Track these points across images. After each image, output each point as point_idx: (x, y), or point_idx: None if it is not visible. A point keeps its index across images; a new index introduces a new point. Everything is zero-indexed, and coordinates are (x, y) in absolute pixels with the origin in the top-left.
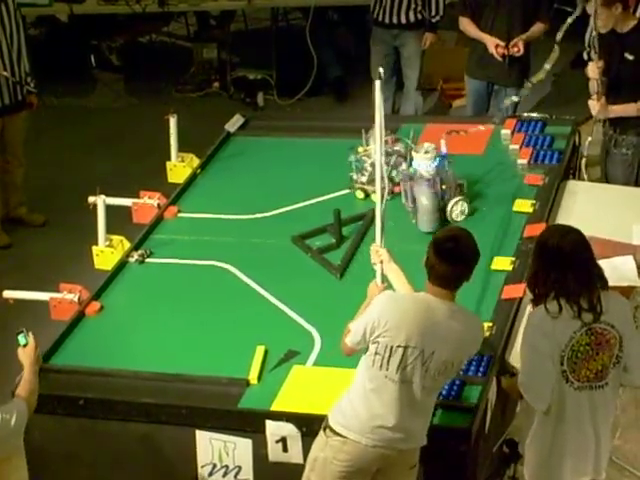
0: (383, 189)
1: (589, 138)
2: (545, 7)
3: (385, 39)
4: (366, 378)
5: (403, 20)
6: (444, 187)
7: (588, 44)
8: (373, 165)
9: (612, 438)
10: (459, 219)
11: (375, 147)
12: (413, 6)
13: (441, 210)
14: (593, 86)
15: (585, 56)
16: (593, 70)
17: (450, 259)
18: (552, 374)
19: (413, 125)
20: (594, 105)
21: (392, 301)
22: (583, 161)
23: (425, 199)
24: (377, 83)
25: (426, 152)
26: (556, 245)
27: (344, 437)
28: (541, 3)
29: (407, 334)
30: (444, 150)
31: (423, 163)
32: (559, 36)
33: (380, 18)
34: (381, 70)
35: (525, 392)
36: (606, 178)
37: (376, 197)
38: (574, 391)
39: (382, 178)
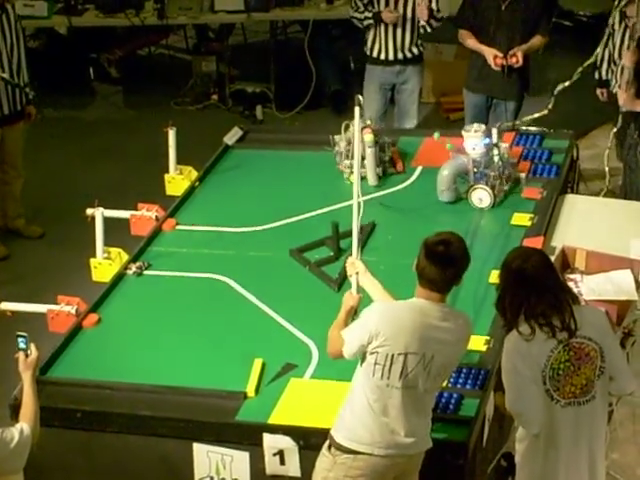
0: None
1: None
2: (545, 21)
3: (385, 77)
4: (367, 389)
5: (408, 54)
6: (477, 170)
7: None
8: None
9: (607, 451)
10: (478, 205)
11: (354, 167)
12: (415, 40)
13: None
14: (624, 75)
15: (596, 75)
16: (628, 58)
17: (440, 262)
18: (537, 395)
19: (412, 138)
20: (621, 94)
21: (387, 310)
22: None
23: (445, 170)
24: (357, 111)
25: (476, 131)
26: (518, 269)
27: (354, 452)
28: (541, 17)
29: (406, 341)
30: (494, 139)
31: (472, 141)
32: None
33: (382, 56)
34: (361, 98)
35: (516, 417)
36: (624, 185)
37: (354, 211)
38: (561, 409)
39: (358, 195)
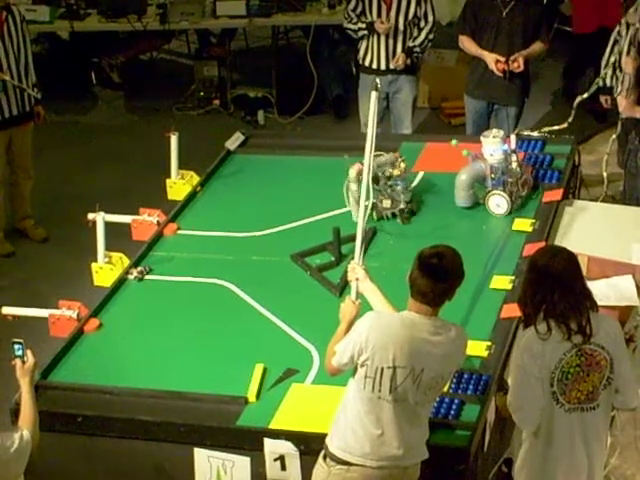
0: (366, 207)
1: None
2: (546, 27)
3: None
4: (358, 402)
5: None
6: (495, 176)
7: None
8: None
9: (606, 458)
10: (495, 211)
11: (365, 166)
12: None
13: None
14: (625, 82)
15: (600, 82)
16: (628, 65)
17: (432, 275)
18: (541, 396)
19: (413, 144)
20: (621, 101)
21: (378, 322)
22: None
23: (463, 174)
24: (373, 95)
25: (494, 137)
26: (545, 265)
27: (347, 463)
28: (542, 23)
29: (395, 354)
30: (513, 145)
31: (490, 147)
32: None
33: (374, 65)
34: (378, 80)
35: (513, 413)
36: (625, 191)
37: (359, 216)
38: (565, 413)
39: (367, 194)
